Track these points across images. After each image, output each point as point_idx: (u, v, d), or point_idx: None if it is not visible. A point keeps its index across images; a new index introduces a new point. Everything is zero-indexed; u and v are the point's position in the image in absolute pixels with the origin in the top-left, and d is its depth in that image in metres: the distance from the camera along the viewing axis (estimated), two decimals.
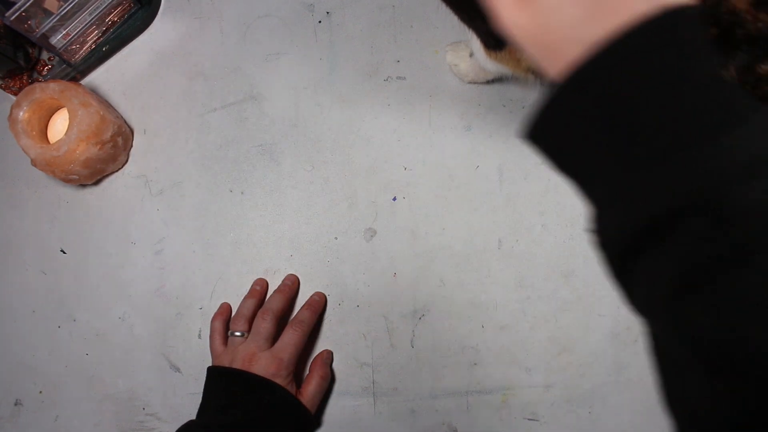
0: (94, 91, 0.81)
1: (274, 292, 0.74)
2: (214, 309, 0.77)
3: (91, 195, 0.82)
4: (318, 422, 0.72)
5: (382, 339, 0.74)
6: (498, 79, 0.76)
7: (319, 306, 0.74)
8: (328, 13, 0.82)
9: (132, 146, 0.82)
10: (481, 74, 0.75)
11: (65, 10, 0.77)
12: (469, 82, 0.77)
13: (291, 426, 0.67)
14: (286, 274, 0.77)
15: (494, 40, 0.57)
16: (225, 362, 0.68)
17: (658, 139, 0.28)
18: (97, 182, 0.82)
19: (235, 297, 0.77)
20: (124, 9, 0.84)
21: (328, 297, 0.76)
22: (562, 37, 0.30)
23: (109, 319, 0.79)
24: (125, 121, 0.82)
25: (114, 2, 0.82)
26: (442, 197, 0.76)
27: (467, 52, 0.75)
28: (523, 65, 0.59)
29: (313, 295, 0.75)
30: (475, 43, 0.63)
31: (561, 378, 0.71)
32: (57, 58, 0.84)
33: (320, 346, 0.75)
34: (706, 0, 0.43)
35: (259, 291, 0.75)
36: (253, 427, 0.63)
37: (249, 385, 0.66)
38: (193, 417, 0.75)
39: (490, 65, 0.64)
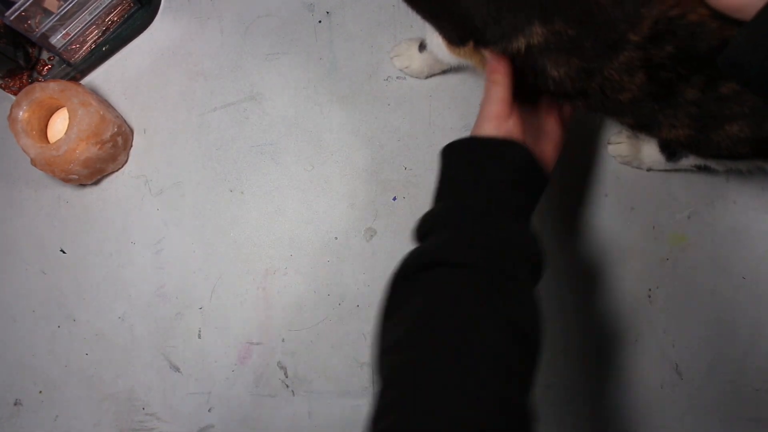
0: (94, 91, 0.81)
1: None
2: (214, 309, 0.77)
3: (91, 195, 0.82)
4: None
5: None
6: (456, 69, 0.76)
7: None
8: (328, 13, 0.82)
9: (132, 146, 0.82)
10: (437, 66, 0.76)
11: (65, 10, 0.77)
12: (427, 77, 0.78)
13: (529, 188, 0.57)
14: (285, 274, 0.77)
15: (458, 37, 0.58)
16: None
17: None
18: (97, 182, 0.82)
19: (235, 297, 0.77)
20: (124, 9, 0.84)
21: (328, 297, 0.76)
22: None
23: (109, 319, 0.79)
24: (125, 121, 0.82)
25: (114, 2, 0.82)
26: None
27: (415, 50, 0.75)
28: (483, 60, 0.59)
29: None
30: (435, 40, 0.63)
31: (561, 378, 0.71)
32: (57, 57, 0.84)
33: (319, 346, 0.75)
34: (664, 14, 0.45)
35: None
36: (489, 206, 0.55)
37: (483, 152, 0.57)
38: (193, 417, 0.75)
39: (450, 59, 0.64)
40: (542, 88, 0.56)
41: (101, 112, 0.76)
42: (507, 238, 0.52)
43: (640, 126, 0.58)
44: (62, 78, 0.84)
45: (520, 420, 0.44)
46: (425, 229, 0.55)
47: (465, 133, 0.77)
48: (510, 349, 0.45)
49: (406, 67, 0.77)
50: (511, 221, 0.53)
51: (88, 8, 0.80)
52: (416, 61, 0.76)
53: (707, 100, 0.50)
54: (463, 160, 0.57)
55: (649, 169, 0.73)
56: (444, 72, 0.78)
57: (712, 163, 0.65)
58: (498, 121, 0.56)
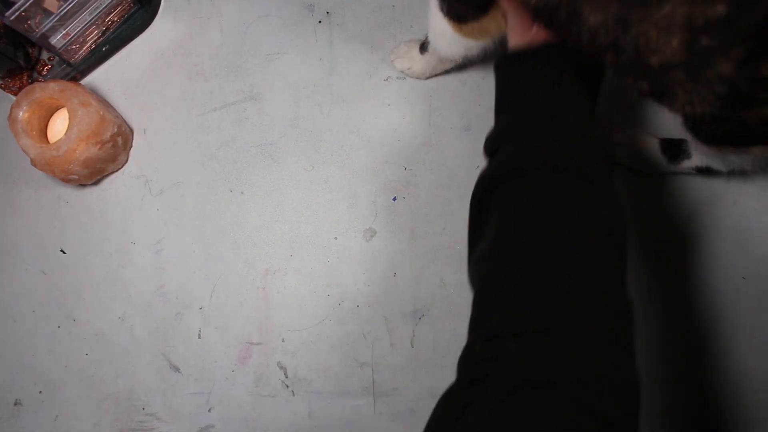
0: (94, 91, 0.81)
1: None
2: (214, 309, 0.77)
3: (91, 195, 0.82)
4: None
5: (382, 339, 0.74)
6: (458, 67, 0.77)
7: None
8: (328, 13, 0.82)
9: (132, 146, 0.82)
10: (439, 66, 0.76)
11: (65, 10, 0.77)
12: (428, 78, 0.78)
13: (579, 79, 0.56)
14: (286, 274, 0.77)
15: (471, 9, 0.57)
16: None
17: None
18: (97, 182, 0.82)
19: (235, 297, 0.77)
20: (124, 9, 0.84)
21: (328, 297, 0.76)
22: None
23: (109, 319, 0.79)
24: (125, 121, 0.82)
25: (114, 2, 0.82)
26: (442, 197, 0.76)
27: (416, 51, 0.75)
28: (492, 31, 0.59)
29: None
30: (440, 26, 0.62)
31: None
32: (57, 58, 0.84)
33: (320, 346, 0.75)
34: None
35: None
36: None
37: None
38: (193, 417, 0.75)
39: (457, 45, 0.63)
40: (576, 43, 0.52)
41: (101, 112, 0.76)
42: (570, 137, 0.52)
43: (655, 94, 0.54)
44: (62, 78, 0.84)
45: (617, 310, 0.43)
46: (493, 146, 0.56)
47: (465, 133, 0.78)
48: (597, 244, 0.45)
49: (408, 69, 0.77)
50: (571, 118, 0.53)
51: (88, 8, 0.80)
52: (417, 62, 0.76)
53: (740, 79, 0.46)
54: (508, 75, 0.58)
55: (648, 171, 0.73)
56: (446, 72, 0.78)
57: (716, 163, 0.65)
58: (522, 32, 0.57)
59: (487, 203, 0.51)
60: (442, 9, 0.60)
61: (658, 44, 0.46)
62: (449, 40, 0.63)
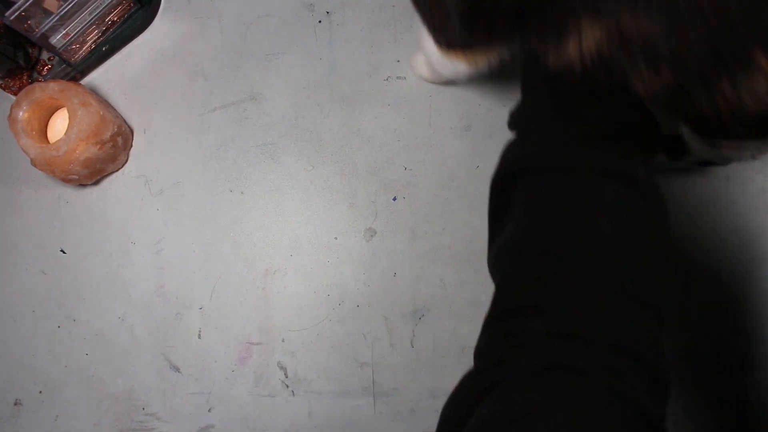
0: (94, 91, 0.81)
1: None
2: (214, 309, 0.77)
3: (91, 195, 0.82)
4: None
5: (382, 339, 0.74)
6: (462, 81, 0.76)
7: None
8: (328, 13, 0.82)
9: (132, 146, 0.82)
10: (437, 77, 0.76)
11: (65, 10, 0.77)
12: (428, 82, 0.79)
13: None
14: (286, 274, 0.77)
15: (461, 38, 0.55)
16: None
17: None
18: (97, 182, 0.82)
19: (235, 297, 0.77)
20: (124, 9, 0.84)
21: (328, 297, 0.76)
22: None
23: (109, 319, 0.79)
24: (125, 121, 0.82)
25: (114, 2, 0.82)
26: (442, 197, 0.76)
27: (423, 58, 0.75)
28: (478, 60, 0.57)
29: None
30: (427, 45, 0.60)
31: None
32: (57, 58, 0.84)
33: (320, 346, 0.75)
34: None
35: None
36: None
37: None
38: (193, 417, 0.75)
39: (444, 67, 0.62)
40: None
41: (101, 112, 0.76)
42: (606, 126, 0.47)
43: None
44: (62, 78, 0.84)
45: (641, 310, 0.42)
46: (519, 122, 0.52)
47: (465, 133, 0.78)
48: (626, 238, 0.44)
49: (421, 75, 0.77)
50: (604, 99, 0.48)
51: (88, 8, 0.80)
52: (425, 71, 0.76)
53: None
54: None
55: None
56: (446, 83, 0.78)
57: (715, 157, 0.64)
58: None
59: (508, 190, 0.49)
60: (435, 38, 0.58)
61: (719, 113, 0.41)
62: (437, 61, 0.61)
